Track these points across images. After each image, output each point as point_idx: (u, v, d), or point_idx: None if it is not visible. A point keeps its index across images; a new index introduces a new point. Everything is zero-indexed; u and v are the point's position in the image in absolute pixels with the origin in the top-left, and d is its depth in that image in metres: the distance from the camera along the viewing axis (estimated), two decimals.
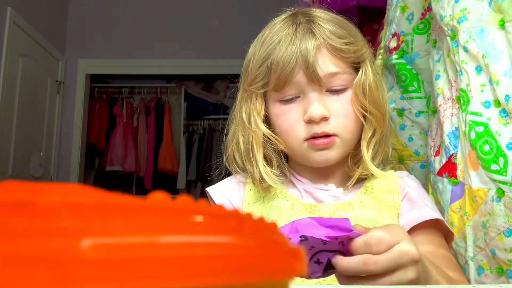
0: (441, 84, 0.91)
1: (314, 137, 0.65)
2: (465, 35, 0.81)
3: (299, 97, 0.66)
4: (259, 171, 0.66)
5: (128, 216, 0.13)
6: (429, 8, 1.05)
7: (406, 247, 0.44)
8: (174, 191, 3.72)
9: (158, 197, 0.15)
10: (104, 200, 0.14)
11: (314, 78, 0.64)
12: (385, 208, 0.67)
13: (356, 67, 0.68)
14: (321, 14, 0.69)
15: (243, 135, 0.69)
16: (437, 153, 0.90)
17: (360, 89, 0.66)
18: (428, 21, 1.07)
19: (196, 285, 0.13)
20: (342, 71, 0.66)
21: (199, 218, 0.15)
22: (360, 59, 0.68)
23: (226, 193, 0.72)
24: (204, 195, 0.72)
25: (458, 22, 0.82)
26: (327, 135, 0.65)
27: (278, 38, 0.66)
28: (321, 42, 0.65)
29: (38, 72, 3.13)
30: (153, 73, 3.73)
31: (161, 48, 3.59)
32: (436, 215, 0.65)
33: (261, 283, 0.15)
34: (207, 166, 3.73)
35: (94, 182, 3.88)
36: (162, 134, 3.94)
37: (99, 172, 3.94)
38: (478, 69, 0.81)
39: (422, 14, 1.08)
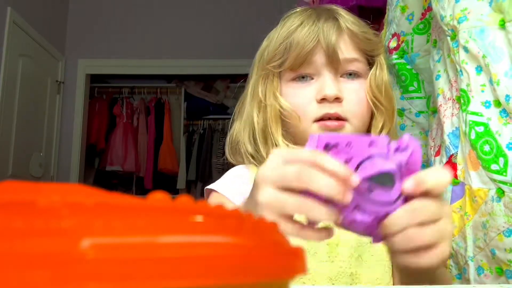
0: (442, 84, 0.91)
1: (325, 119, 0.65)
2: (465, 35, 0.81)
3: (313, 78, 0.67)
4: (279, 147, 0.65)
5: (128, 216, 0.13)
6: (429, 8, 1.05)
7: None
8: (174, 191, 3.72)
9: (158, 197, 0.15)
10: (104, 200, 0.14)
11: (333, 60, 0.64)
12: None
13: (369, 61, 0.70)
14: (340, 8, 0.71)
15: (258, 115, 0.69)
16: (437, 153, 0.90)
17: (375, 82, 0.67)
18: (428, 21, 1.07)
19: (196, 285, 0.13)
20: (359, 59, 0.67)
21: (199, 218, 0.15)
22: (375, 52, 0.70)
23: (232, 187, 0.70)
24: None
25: (459, 22, 0.82)
26: (338, 118, 0.65)
27: (300, 20, 0.67)
28: (343, 27, 0.66)
29: (38, 72, 3.13)
30: (153, 73, 3.73)
31: (161, 48, 3.59)
32: None
33: (261, 283, 0.15)
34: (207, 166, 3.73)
35: (94, 182, 3.88)
36: (162, 134, 3.94)
37: (99, 172, 3.94)
38: (479, 69, 0.81)
39: (422, 14, 1.08)
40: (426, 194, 0.37)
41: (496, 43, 0.78)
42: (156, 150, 3.89)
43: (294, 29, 0.66)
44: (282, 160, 0.38)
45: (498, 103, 0.79)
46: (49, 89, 3.29)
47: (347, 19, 0.68)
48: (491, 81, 0.79)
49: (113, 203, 0.14)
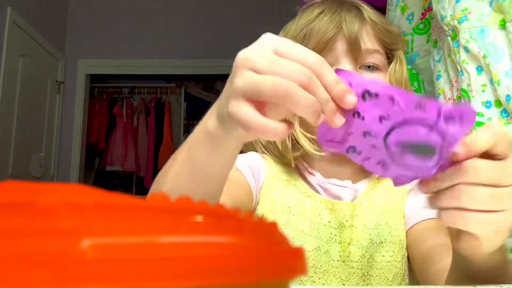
0: (442, 84, 0.91)
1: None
2: (466, 35, 0.81)
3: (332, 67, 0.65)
4: (294, 135, 0.64)
5: (128, 216, 0.13)
6: (429, 8, 1.05)
7: None
8: None
9: (158, 197, 0.15)
10: (104, 200, 0.14)
11: (354, 49, 0.62)
12: (394, 197, 0.68)
13: (388, 55, 0.68)
14: (361, 1, 0.70)
15: None
16: None
17: (394, 77, 0.66)
18: (428, 21, 1.07)
19: (196, 285, 0.13)
20: (380, 51, 0.66)
21: (199, 218, 0.15)
22: (394, 46, 0.68)
23: (252, 166, 0.68)
24: None
25: (459, 22, 0.82)
26: None
27: (321, 9, 0.65)
28: (366, 17, 0.65)
29: (38, 72, 3.13)
30: (153, 73, 3.73)
31: (161, 48, 3.59)
32: None
33: (261, 283, 0.15)
34: None
35: (94, 182, 3.88)
36: (162, 134, 3.94)
37: (99, 172, 3.94)
38: (479, 69, 0.81)
39: (422, 14, 1.08)
40: (490, 156, 0.33)
41: (497, 43, 0.78)
42: (156, 150, 3.90)
43: (315, 17, 0.64)
44: (272, 48, 0.34)
45: (498, 103, 0.79)
46: (49, 89, 3.29)
47: (369, 10, 0.66)
48: (491, 81, 0.79)
49: (113, 203, 0.14)
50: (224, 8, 3.61)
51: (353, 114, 0.34)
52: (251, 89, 0.32)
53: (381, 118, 0.33)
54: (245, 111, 0.33)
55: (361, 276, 0.63)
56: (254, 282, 0.14)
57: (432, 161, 0.32)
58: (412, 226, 0.65)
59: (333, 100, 0.33)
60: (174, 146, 3.95)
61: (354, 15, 0.64)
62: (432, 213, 0.64)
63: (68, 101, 3.51)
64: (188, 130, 4.06)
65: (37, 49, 3.11)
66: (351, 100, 0.32)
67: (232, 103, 0.34)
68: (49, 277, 0.11)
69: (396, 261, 0.63)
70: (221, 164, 0.41)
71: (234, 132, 0.36)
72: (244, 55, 0.34)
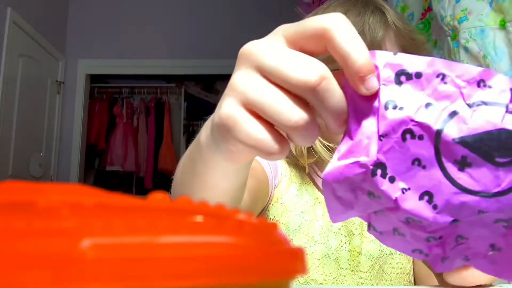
0: None
1: None
2: (465, 35, 0.81)
3: None
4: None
5: (128, 216, 0.13)
6: (429, 8, 1.05)
7: None
8: None
9: (158, 197, 0.15)
10: (104, 200, 0.14)
11: None
12: None
13: None
14: (384, 2, 0.66)
15: None
16: None
17: None
18: (428, 21, 1.07)
19: (196, 285, 0.13)
20: None
21: (199, 218, 0.15)
22: (416, 53, 0.66)
23: (270, 163, 0.64)
24: None
25: (459, 22, 0.82)
26: None
27: (345, 9, 0.61)
28: (390, 23, 0.61)
29: (38, 72, 3.13)
30: (153, 73, 3.73)
31: (161, 48, 3.59)
32: None
33: (261, 283, 0.15)
34: None
35: (94, 182, 3.88)
36: (162, 134, 3.94)
37: (99, 172, 3.94)
38: None
39: (422, 14, 1.08)
40: None
41: (497, 43, 0.78)
42: (156, 150, 3.89)
43: None
44: (284, 42, 0.26)
45: None
46: (49, 89, 3.29)
47: (392, 14, 0.62)
48: None
49: (113, 203, 0.14)
50: (225, 8, 3.61)
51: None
52: (252, 97, 0.25)
53: (428, 105, 0.23)
54: (240, 116, 0.26)
55: (370, 286, 0.62)
56: (254, 282, 0.14)
57: (500, 177, 0.22)
58: None
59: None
60: (174, 146, 3.95)
61: (378, 19, 0.60)
62: None
63: (68, 101, 3.51)
64: (188, 130, 4.06)
65: (37, 49, 3.11)
66: (372, 84, 0.24)
67: (226, 104, 0.26)
68: (49, 277, 0.11)
69: (404, 273, 0.63)
70: (218, 178, 0.35)
71: (222, 144, 0.28)
72: (249, 47, 0.27)
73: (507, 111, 0.22)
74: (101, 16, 3.61)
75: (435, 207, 0.23)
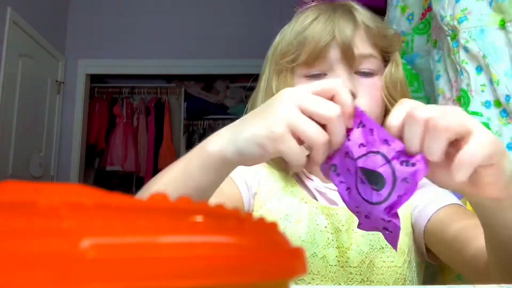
0: (442, 84, 0.91)
1: None
2: (465, 35, 0.81)
3: (326, 75, 0.64)
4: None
5: (128, 216, 0.13)
6: (429, 8, 1.05)
7: None
8: None
9: (158, 197, 0.15)
10: (104, 200, 0.14)
11: (348, 55, 0.62)
12: None
13: (384, 58, 0.68)
14: (356, 3, 0.69)
15: None
16: None
17: (390, 79, 0.65)
18: (428, 21, 1.07)
19: (196, 285, 0.13)
20: (374, 55, 0.65)
21: (199, 218, 0.15)
22: (390, 49, 0.68)
23: (245, 175, 0.69)
24: None
25: (459, 22, 0.82)
26: None
27: (315, 15, 0.65)
28: (359, 22, 0.64)
29: (38, 72, 3.13)
30: (153, 73, 3.73)
31: (161, 48, 3.59)
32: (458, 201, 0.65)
33: (261, 283, 0.15)
34: None
35: (94, 182, 3.88)
36: (162, 134, 3.94)
37: (99, 172, 3.94)
38: (479, 69, 0.81)
39: (422, 14, 1.08)
40: None
41: (496, 43, 0.78)
42: (156, 150, 3.89)
43: (309, 24, 0.64)
44: (297, 105, 0.39)
45: (498, 103, 0.79)
46: (49, 89, 3.29)
47: (363, 14, 0.65)
48: (491, 81, 0.79)
49: (113, 203, 0.14)
50: (225, 8, 3.61)
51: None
52: (295, 125, 0.38)
53: (360, 145, 0.39)
54: (293, 145, 0.38)
55: (361, 281, 0.62)
56: (254, 282, 0.14)
57: (377, 195, 0.38)
58: (430, 218, 0.63)
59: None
60: (174, 146, 3.95)
61: (347, 20, 0.63)
62: (447, 199, 0.63)
63: (68, 101, 3.51)
64: (188, 130, 4.07)
65: (37, 49, 3.11)
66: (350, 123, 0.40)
67: (277, 132, 0.38)
68: (49, 277, 0.11)
69: (397, 266, 0.63)
70: (217, 182, 0.46)
71: (253, 158, 0.41)
72: (290, 91, 0.40)
73: (387, 163, 0.38)
74: (101, 16, 3.61)
75: (338, 174, 0.42)
